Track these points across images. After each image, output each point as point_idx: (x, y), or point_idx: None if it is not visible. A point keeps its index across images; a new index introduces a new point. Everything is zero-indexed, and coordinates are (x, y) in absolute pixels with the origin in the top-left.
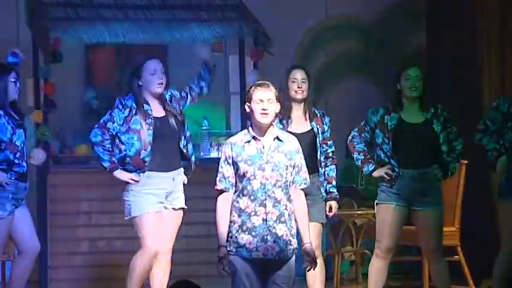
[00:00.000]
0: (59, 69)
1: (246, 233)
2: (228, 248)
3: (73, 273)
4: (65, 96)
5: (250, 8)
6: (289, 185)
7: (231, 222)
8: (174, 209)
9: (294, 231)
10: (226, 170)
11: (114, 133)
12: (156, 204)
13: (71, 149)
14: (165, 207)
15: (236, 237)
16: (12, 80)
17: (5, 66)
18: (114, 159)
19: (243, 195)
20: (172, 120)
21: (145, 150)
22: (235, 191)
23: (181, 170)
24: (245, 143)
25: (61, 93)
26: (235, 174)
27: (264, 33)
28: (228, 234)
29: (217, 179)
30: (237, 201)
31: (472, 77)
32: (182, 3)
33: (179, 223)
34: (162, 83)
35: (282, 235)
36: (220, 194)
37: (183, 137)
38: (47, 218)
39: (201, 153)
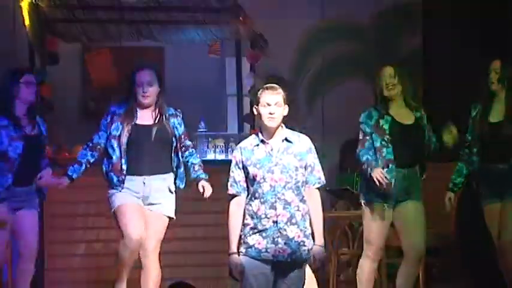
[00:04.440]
0: (56, 70)
1: (257, 234)
2: (239, 249)
3: (70, 275)
4: (62, 97)
5: (246, 10)
6: (302, 185)
7: (243, 225)
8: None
9: (308, 231)
10: (237, 174)
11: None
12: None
13: (68, 151)
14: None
15: (246, 238)
16: (23, 81)
17: (14, 69)
18: None
19: (255, 198)
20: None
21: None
22: (248, 195)
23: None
24: (254, 146)
25: (58, 95)
26: (246, 178)
27: (261, 35)
28: (240, 236)
29: (229, 183)
30: (250, 205)
31: (469, 77)
32: (179, 5)
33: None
34: (146, 95)
35: (294, 237)
36: (232, 198)
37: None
38: (43, 220)
39: (197, 155)
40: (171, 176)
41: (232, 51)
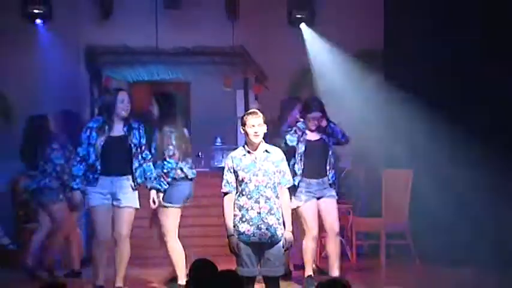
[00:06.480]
0: None
1: (245, 223)
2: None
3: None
4: None
5: (251, 54)
6: (277, 185)
7: (234, 215)
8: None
9: (281, 220)
10: (229, 177)
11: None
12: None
13: None
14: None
15: (237, 226)
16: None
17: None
18: None
19: (242, 195)
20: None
21: None
22: (237, 192)
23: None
24: (242, 156)
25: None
26: (236, 179)
27: (262, 73)
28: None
29: (223, 184)
30: (238, 200)
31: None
32: (201, 51)
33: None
34: (127, 109)
35: (272, 224)
36: (225, 195)
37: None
38: None
39: (215, 163)
40: (131, 176)
41: (241, 85)
